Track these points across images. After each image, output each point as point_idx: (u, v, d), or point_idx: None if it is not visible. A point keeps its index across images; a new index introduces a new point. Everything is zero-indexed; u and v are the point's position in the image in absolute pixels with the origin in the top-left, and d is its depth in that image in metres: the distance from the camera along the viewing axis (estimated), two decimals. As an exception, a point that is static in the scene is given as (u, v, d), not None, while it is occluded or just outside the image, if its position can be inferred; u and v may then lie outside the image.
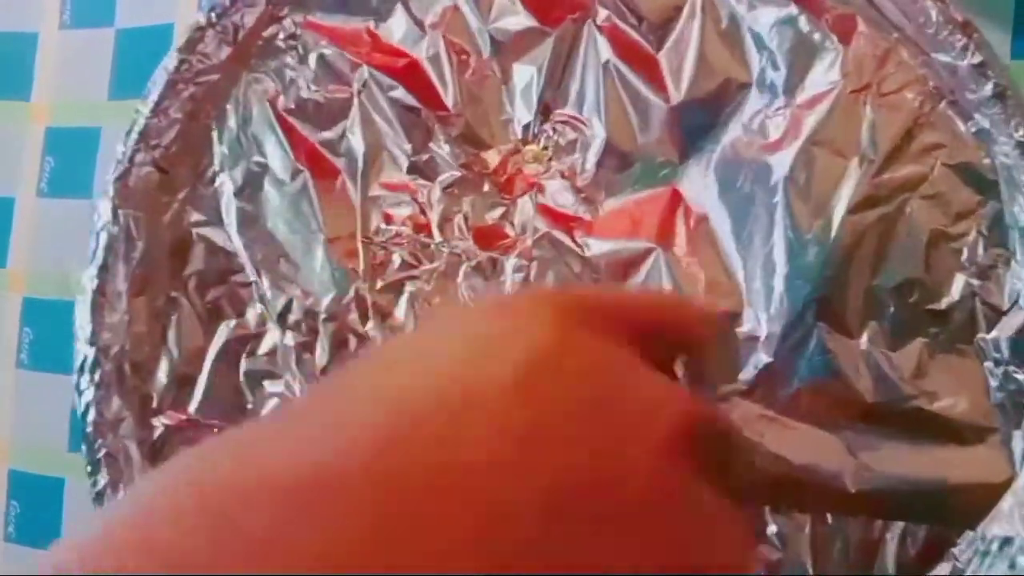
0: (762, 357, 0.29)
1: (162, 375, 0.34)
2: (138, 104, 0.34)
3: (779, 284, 0.29)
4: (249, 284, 0.34)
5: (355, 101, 0.34)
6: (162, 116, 0.34)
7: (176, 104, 0.34)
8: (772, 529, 0.30)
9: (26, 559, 0.41)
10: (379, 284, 0.33)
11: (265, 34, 0.34)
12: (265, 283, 0.34)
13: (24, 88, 0.44)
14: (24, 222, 0.43)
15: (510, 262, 0.32)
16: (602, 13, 0.32)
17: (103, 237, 0.34)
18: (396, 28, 0.33)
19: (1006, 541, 0.28)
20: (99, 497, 0.33)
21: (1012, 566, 0.27)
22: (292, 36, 0.34)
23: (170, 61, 0.34)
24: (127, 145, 0.34)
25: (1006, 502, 0.28)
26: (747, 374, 0.30)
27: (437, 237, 0.33)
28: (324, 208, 0.33)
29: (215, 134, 0.34)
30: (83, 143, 0.42)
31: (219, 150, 0.34)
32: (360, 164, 0.33)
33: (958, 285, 0.29)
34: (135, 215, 0.34)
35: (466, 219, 0.33)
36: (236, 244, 0.34)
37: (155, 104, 0.33)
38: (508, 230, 0.32)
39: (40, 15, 0.44)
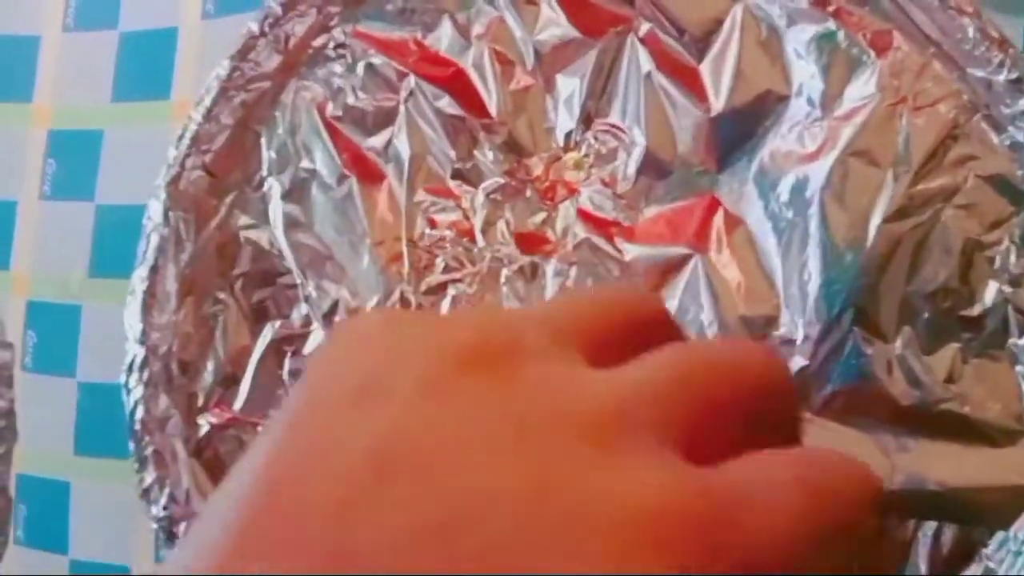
0: (799, 360, 0.30)
1: (208, 374, 0.35)
2: (190, 110, 0.35)
3: (815, 290, 0.30)
4: (295, 286, 0.35)
5: (401, 109, 0.34)
6: (213, 122, 0.35)
7: (227, 110, 0.35)
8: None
9: (35, 562, 0.41)
10: (423, 287, 0.34)
11: (315, 43, 0.35)
12: (311, 285, 0.34)
13: (26, 90, 0.44)
14: (27, 225, 0.43)
15: (551, 266, 0.33)
16: (644, 26, 0.33)
17: (154, 239, 0.34)
18: (443, 38, 0.34)
19: (1036, 541, 0.29)
20: (146, 493, 0.34)
21: (1042, 566, 0.28)
22: (341, 45, 0.35)
23: (222, 68, 0.34)
24: (179, 149, 0.35)
25: (1036, 504, 0.29)
26: (783, 377, 0.30)
27: (480, 242, 0.34)
28: (370, 212, 0.34)
29: (264, 140, 0.35)
30: (85, 146, 0.42)
31: (267, 155, 0.35)
32: (406, 170, 0.34)
33: (991, 292, 0.30)
34: (185, 217, 0.35)
35: (508, 224, 0.34)
36: (283, 246, 0.35)
37: (207, 110, 0.34)
38: (549, 235, 0.33)
39: (44, 18, 0.44)
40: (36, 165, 0.43)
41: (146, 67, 0.41)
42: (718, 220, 0.32)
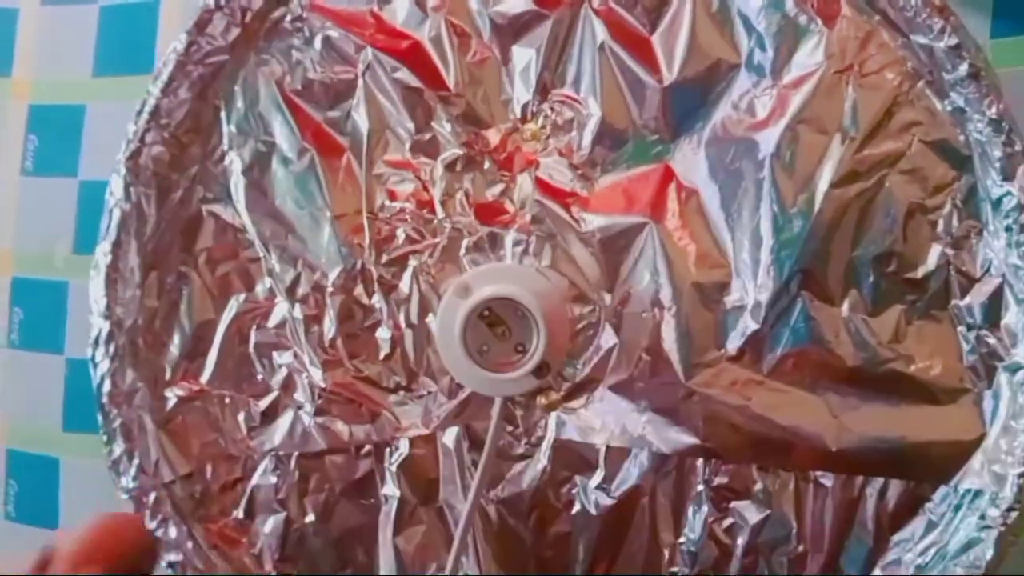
0: (750, 324, 0.31)
1: (174, 348, 0.35)
2: (148, 84, 0.35)
3: (766, 256, 0.31)
4: (258, 259, 0.35)
5: (360, 82, 0.35)
6: (172, 96, 0.35)
7: (185, 84, 0.35)
8: (758, 486, 0.32)
9: (26, 537, 0.42)
10: (384, 258, 0.34)
11: (272, 16, 0.35)
12: (274, 258, 0.35)
13: (4, 64, 0.43)
14: (8, 201, 0.43)
15: (510, 236, 0.33)
16: (598, -3, 0.33)
17: (116, 214, 0.35)
18: (399, 10, 0.34)
19: (977, 494, 0.30)
20: (115, 465, 0.34)
21: (983, 517, 0.29)
22: (298, 19, 0.35)
23: (179, 42, 0.34)
24: (138, 124, 0.35)
25: (977, 458, 0.30)
26: (735, 341, 0.31)
27: (440, 213, 0.34)
28: (330, 185, 0.35)
29: (223, 114, 0.35)
30: (67, 121, 0.41)
31: (227, 129, 0.35)
32: (365, 143, 0.34)
33: (934, 255, 0.30)
34: (146, 192, 0.35)
35: (467, 195, 0.34)
36: (245, 220, 0.35)
37: (165, 84, 0.34)
38: (508, 206, 0.34)
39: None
40: (17, 140, 0.43)
41: (127, 40, 0.41)
42: (672, 189, 0.33)
